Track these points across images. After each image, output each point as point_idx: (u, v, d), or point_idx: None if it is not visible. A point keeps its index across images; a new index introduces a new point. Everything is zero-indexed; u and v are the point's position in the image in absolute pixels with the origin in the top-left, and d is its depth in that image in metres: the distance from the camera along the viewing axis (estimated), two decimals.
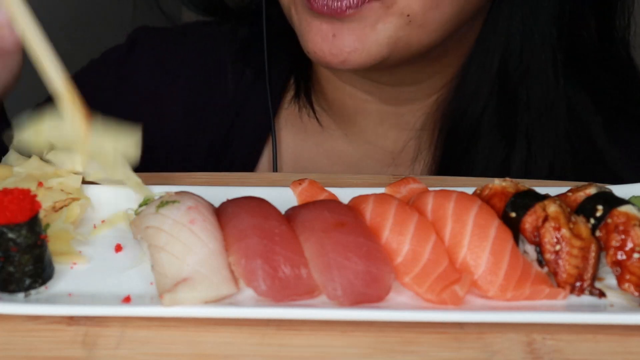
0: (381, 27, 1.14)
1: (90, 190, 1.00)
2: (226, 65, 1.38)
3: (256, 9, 1.37)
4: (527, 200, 0.91)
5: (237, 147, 1.35)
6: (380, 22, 1.14)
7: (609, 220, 0.89)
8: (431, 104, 1.30)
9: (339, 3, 1.13)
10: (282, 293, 0.86)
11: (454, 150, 1.27)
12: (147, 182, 1.03)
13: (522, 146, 1.25)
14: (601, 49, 1.26)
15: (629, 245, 0.88)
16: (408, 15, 1.13)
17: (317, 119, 1.34)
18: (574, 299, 0.89)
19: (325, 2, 1.14)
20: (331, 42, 1.15)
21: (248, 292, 0.87)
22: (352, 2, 1.13)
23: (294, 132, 1.36)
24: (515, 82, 1.24)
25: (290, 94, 1.37)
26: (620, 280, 0.88)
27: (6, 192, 0.86)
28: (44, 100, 1.39)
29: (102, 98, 1.38)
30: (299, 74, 1.36)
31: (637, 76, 1.31)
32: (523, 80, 1.24)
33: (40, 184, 0.97)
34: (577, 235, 0.89)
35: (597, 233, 0.90)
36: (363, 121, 1.32)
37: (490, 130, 1.26)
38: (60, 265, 0.91)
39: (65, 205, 0.96)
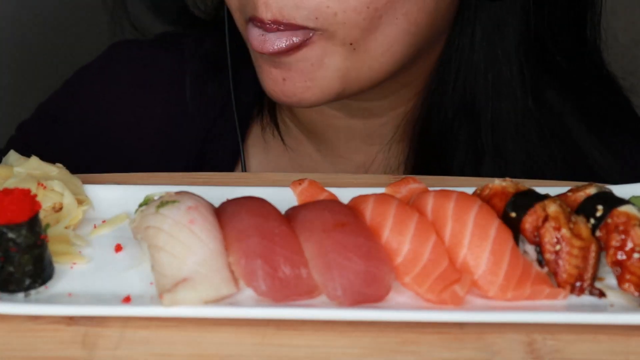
0: (328, 62, 1.12)
1: (91, 190, 1.00)
2: (194, 81, 1.35)
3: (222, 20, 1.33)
4: (527, 200, 0.91)
5: (209, 169, 1.33)
6: (326, 57, 1.12)
7: (609, 220, 0.89)
8: (401, 117, 1.28)
9: (280, 43, 1.11)
10: (282, 293, 0.86)
11: (426, 166, 1.26)
12: (147, 182, 1.03)
13: (492, 166, 1.23)
14: (573, 60, 1.24)
15: (629, 245, 0.88)
16: (351, 44, 1.11)
17: (282, 139, 1.33)
18: (574, 299, 0.89)
19: (265, 42, 1.11)
20: (282, 85, 1.14)
21: (248, 292, 0.87)
22: (293, 41, 1.11)
23: (266, 150, 1.34)
24: (482, 102, 1.22)
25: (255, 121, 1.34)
26: (620, 280, 0.88)
27: (6, 192, 0.86)
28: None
29: (80, 117, 1.36)
30: (263, 93, 1.31)
31: (614, 82, 1.29)
32: (490, 99, 1.21)
33: (40, 184, 0.97)
34: (577, 235, 0.89)
35: (597, 233, 0.90)
36: (333, 136, 1.30)
37: (460, 148, 1.24)
38: (60, 265, 0.91)
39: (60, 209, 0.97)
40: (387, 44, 1.13)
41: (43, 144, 1.37)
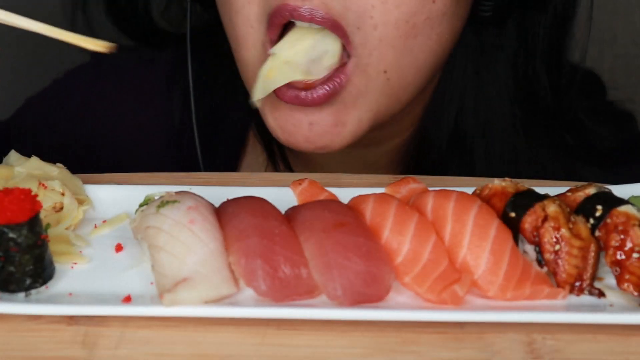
0: (362, 101, 1.05)
1: (91, 190, 1.00)
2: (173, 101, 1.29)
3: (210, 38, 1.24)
4: (526, 200, 0.91)
5: None
6: (361, 96, 1.04)
7: (609, 220, 0.89)
8: (395, 147, 1.25)
9: (312, 95, 1.02)
10: (282, 293, 0.86)
11: None
12: (147, 182, 1.03)
13: None
14: (558, 100, 1.21)
15: (629, 245, 0.88)
16: (385, 72, 1.04)
17: (292, 169, 1.26)
18: (573, 298, 0.89)
19: (295, 94, 1.02)
20: (307, 130, 1.03)
21: (248, 292, 0.87)
22: (329, 89, 1.02)
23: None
24: (474, 138, 1.19)
25: (251, 139, 1.28)
26: (619, 280, 0.88)
27: (7, 192, 0.86)
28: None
29: (68, 119, 1.32)
30: (261, 128, 1.21)
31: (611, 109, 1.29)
32: (482, 136, 1.19)
33: (40, 184, 0.97)
34: (577, 235, 0.89)
35: (597, 233, 0.90)
36: (327, 162, 1.27)
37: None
38: (61, 265, 0.91)
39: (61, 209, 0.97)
40: (416, 68, 1.07)
41: (25, 138, 1.33)
